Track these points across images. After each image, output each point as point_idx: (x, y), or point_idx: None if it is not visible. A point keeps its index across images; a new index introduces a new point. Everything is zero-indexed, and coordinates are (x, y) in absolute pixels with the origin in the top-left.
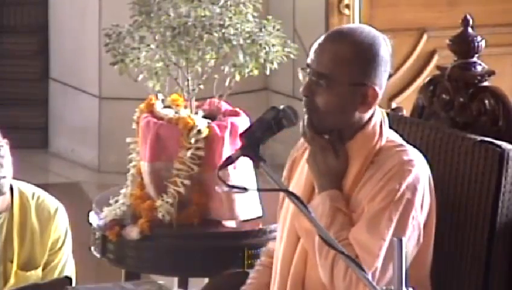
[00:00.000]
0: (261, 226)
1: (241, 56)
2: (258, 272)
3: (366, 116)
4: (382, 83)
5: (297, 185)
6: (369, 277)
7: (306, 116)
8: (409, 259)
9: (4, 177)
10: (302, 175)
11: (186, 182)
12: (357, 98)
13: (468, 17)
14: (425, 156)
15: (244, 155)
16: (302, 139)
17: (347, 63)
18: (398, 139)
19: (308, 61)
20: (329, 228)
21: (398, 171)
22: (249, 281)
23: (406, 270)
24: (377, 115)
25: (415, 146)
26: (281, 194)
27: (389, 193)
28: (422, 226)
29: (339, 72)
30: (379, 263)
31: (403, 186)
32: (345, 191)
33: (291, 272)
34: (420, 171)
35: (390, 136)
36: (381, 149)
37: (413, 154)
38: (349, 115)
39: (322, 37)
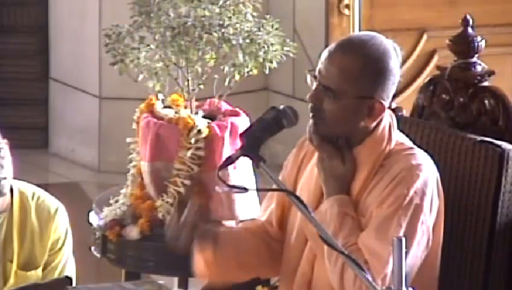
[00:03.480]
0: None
1: (240, 56)
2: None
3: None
4: (390, 95)
5: (306, 185)
6: (369, 277)
7: (312, 122)
8: (418, 263)
9: (4, 178)
10: (311, 177)
11: (186, 182)
12: (363, 111)
13: (468, 17)
14: (431, 157)
15: (244, 155)
16: None
17: (354, 78)
18: (407, 142)
19: (317, 69)
20: (337, 233)
21: (406, 175)
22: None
23: (405, 270)
24: (386, 119)
25: (420, 147)
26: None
27: (398, 198)
28: (431, 230)
29: (346, 86)
30: (389, 269)
31: (412, 191)
32: (354, 195)
33: (298, 274)
34: (428, 175)
35: (400, 139)
36: (390, 153)
37: (422, 158)
38: (355, 126)
39: (333, 46)
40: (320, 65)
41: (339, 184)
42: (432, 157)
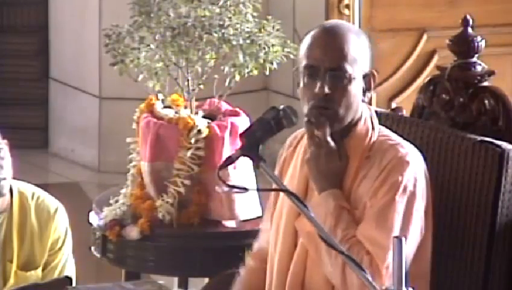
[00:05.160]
0: (260, 226)
1: (240, 56)
2: (249, 274)
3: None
4: None
5: (289, 185)
6: (369, 277)
7: (323, 116)
8: (413, 252)
9: (4, 178)
10: (294, 176)
11: (186, 182)
12: (366, 86)
13: (468, 17)
14: (422, 154)
15: (244, 155)
16: (290, 139)
17: (356, 55)
18: (389, 132)
19: (313, 60)
20: (335, 227)
21: (397, 164)
22: (238, 284)
23: (406, 270)
24: (366, 110)
25: (413, 144)
26: (272, 196)
27: (392, 186)
28: (423, 217)
29: (353, 65)
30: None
31: (405, 179)
32: (345, 189)
33: (290, 273)
34: (417, 162)
35: (382, 130)
36: (374, 143)
37: (408, 147)
38: (359, 106)
39: (319, 34)
40: (316, 55)
41: (332, 179)
42: (432, 157)
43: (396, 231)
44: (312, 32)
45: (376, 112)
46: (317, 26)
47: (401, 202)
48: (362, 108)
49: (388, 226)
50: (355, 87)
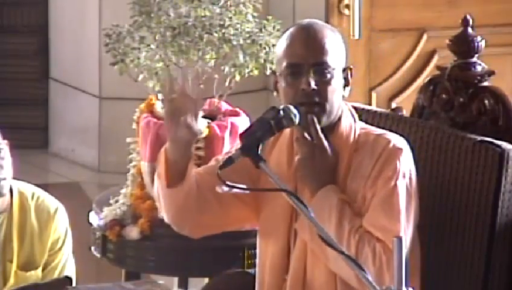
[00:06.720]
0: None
1: (241, 56)
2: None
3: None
4: None
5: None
6: (369, 277)
7: (307, 116)
8: (411, 236)
9: (4, 179)
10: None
11: None
12: (345, 82)
13: (468, 17)
14: (412, 150)
15: (244, 155)
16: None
17: (336, 51)
18: (366, 125)
19: (296, 58)
20: (342, 220)
21: (392, 152)
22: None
23: (406, 270)
24: (345, 106)
25: (412, 145)
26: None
27: (392, 173)
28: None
29: (334, 61)
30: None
31: (402, 165)
32: (339, 184)
33: (290, 273)
34: (408, 148)
35: (360, 123)
36: (359, 136)
37: (394, 135)
38: (340, 102)
39: (299, 31)
40: (295, 54)
41: (329, 176)
42: (432, 157)
43: (403, 214)
44: (289, 32)
45: (354, 107)
46: (292, 25)
47: (402, 186)
48: (342, 104)
49: (395, 212)
50: (337, 82)
